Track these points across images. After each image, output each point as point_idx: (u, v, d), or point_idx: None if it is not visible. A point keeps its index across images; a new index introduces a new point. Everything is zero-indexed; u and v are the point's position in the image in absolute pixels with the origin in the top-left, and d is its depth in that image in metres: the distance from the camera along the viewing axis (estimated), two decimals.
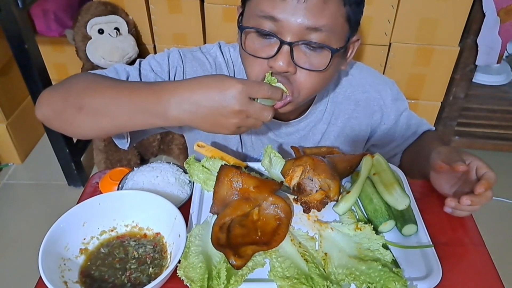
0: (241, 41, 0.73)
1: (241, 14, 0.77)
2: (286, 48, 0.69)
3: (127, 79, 0.82)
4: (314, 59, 0.71)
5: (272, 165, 0.82)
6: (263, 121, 0.66)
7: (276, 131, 0.93)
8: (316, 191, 0.72)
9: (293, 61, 0.70)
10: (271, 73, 0.72)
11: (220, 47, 0.92)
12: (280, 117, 0.90)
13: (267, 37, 0.71)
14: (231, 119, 0.64)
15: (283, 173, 0.76)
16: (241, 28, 0.72)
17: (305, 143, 0.95)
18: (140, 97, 0.66)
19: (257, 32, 0.71)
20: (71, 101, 0.70)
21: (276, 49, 0.69)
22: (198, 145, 0.83)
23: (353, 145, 0.99)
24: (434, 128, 1.04)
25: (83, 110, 0.69)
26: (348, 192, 0.74)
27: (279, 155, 0.82)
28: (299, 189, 0.73)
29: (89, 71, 0.88)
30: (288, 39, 0.68)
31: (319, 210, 0.73)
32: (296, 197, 0.74)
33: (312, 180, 0.72)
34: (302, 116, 0.91)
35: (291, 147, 0.86)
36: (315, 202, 0.72)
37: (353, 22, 0.72)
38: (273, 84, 0.71)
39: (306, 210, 0.73)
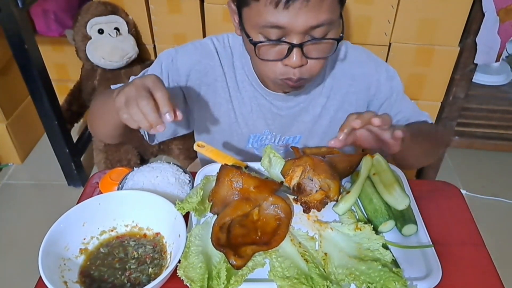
0: (254, 52, 0.78)
1: (240, 22, 0.79)
2: (296, 48, 0.74)
3: None
4: (322, 48, 0.77)
5: (271, 165, 0.82)
6: (146, 115, 0.67)
7: (278, 105, 0.96)
8: (316, 191, 0.72)
9: (304, 56, 0.76)
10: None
11: (212, 37, 0.97)
12: (277, 90, 0.93)
13: (277, 43, 0.76)
14: (126, 91, 0.68)
15: (283, 173, 0.76)
16: (253, 43, 0.77)
17: (305, 115, 0.97)
18: (108, 105, 0.78)
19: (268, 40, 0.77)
20: (88, 116, 0.96)
21: (287, 50, 0.75)
22: (198, 145, 0.83)
23: None
24: (432, 122, 1.03)
25: (90, 122, 0.93)
26: (348, 192, 0.74)
27: (279, 155, 0.82)
28: (299, 189, 0.73)
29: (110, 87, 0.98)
30: (295, 41, 0.74)
31: (319, 210, 0.73)
32: (296, 197, 0.74)
33: (312, 180, 0.72)
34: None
35: (291, 147, 0.86)
36: (315, 202, 0.72)
37: (342, 1, 0.77)
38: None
39: (306, 210, 0.73)
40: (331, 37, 0.76)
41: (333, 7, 0.73)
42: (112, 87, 0.96)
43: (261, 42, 0.76)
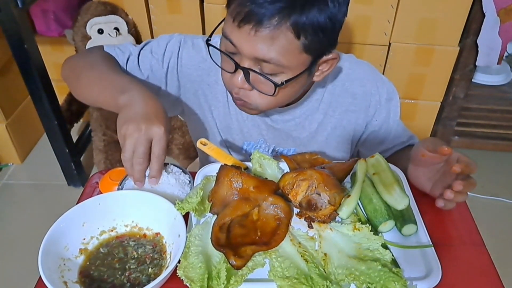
0: (209, 52, 0.80)
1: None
2: (240, 70, 0.75)
3: (128, 58, 0.92)
4: (264, 84, 0.76)
5: (264, 168, 0.82)
6: (141, 164, 0.71)
7: (273, 117, 0.95)
8: (326, 206, 0.70)
9: (248, 82, 0.76)
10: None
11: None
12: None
13: (226, 56, 0.76)
14: (131, 129, 0.69)
15: (283, 187, 0.73)
16: (207, 42, 0.79)
17: (301, 131, 0.97)
18: (110, 89, 0.79)
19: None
20: (75, 71, 0.90)
21: (234, 67, 0.75)
22: (201, 143, 0.83)
23: (349, 140, 1.01)
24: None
25: (79, 81, 0.88)
26: (349, 196, 0.73)
27: (268, 156, 0.82)
28: (309, 206, 0.71)
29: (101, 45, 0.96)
30: (244, 63, 0.74)
31: (328, 223, 0.72)
32: (298, 211, 0.73)
33: (320, 195, 0.70)
34: (296, 103, 0.93)
35: (281, 156, 0.85)
36: (323, 217, 0.71)
37: (315, 50, 0.73)
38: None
39: (310, 226, 0.72)
40: (278, 80, 0.73)
41: (288, 49, 0.70)
42: (105, 48, 0.94)
43: (209, 45, 0.78)
